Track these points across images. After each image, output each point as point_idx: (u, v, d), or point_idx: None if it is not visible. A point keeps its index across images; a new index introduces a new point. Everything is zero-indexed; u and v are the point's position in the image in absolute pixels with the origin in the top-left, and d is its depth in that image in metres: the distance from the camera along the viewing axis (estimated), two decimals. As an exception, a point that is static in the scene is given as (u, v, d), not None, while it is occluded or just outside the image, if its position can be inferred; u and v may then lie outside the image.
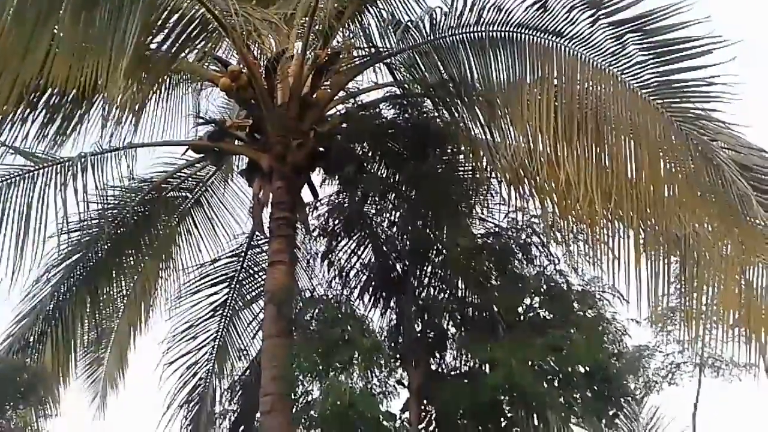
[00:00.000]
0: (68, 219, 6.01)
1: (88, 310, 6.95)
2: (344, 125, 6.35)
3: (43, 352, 6.84)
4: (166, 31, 5.29)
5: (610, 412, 5.22)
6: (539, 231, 5.60)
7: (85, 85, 4.53)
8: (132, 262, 7.08)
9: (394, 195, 6.01)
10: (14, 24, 4.32)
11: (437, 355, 5.64)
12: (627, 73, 5.15)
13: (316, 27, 6.09)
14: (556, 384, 5.18)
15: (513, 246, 5.61)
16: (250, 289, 7.41)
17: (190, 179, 7.20)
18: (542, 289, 5.52)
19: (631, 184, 4.96)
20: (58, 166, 6.03)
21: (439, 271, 5.79)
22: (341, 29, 6.59)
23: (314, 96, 6.22)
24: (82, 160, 5.98)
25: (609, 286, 5.40)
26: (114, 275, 7.03)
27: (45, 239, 6.00)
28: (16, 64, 4.28)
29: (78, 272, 6.87)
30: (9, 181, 6.07)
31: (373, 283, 5.90)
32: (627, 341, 5.73)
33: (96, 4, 4.61)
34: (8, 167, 6.02)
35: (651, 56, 5.06)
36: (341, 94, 6.53)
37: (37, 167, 6.06)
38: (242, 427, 6.78)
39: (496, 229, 5.81)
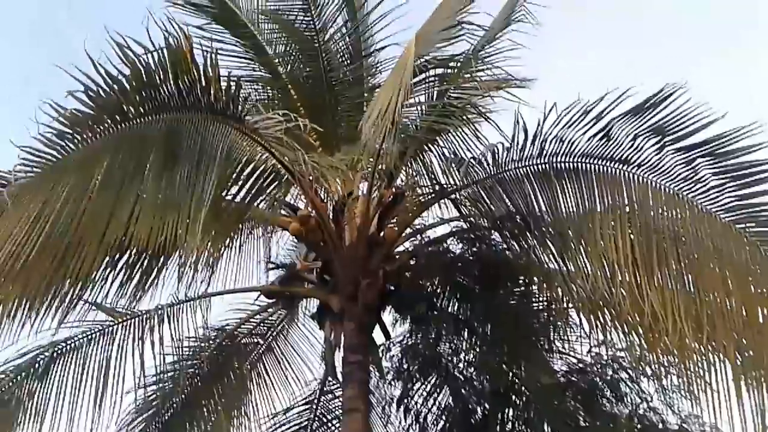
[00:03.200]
0: (145, 373, 6.03)
1: (163, 466, 6.80)
2: (413, 262, 6.34)
3: None
4: (240, 183, 5.50)
5: None
6: (627, 366, 5.30)
7: (164, 241, 4.66)
8: (206, 414, 6.96)
9: (468, 332, 5.86)
10: (102, 189, 4.53)
11: (528, 507, 5.23)
12: (703, 197, 5.03)
13: (380, 167, 6.25)
14: None
15: (600, 383, 5.31)
16: (325, 439, 7.17)
17: (261, 325, 7.20)
18: (636, 429, 5.14)
19: (722, 311, 4.70)
20: (136, 319, 6.16)
21: (523, 413, 5.49)
22: (404, 168, 6.74)
23: (381, 235, 6.26)
24: (159, 312, 6.10)
25: (710, 424, 4.99)
26: (188, 429, 6.92)
27: (123, 394, 6.03)
28: (102, 228, 4.44)
29: (153, 427, 6.80)
30: (90, 337, 6.21)
31: (453, 429, 5.62)
32: (736, 483, 5.19)
33: (176, 164, 4.83)
34: (89, 323, 6.17)
35: (726, 180, 4.94)
36: (408, 231, 6.55)
37: (116, 322, 6.21)
38: None
39: (580, 365, 5.53)
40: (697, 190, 5.07)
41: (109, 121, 4.62)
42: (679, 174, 5.14)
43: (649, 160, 5.26)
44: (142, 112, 4.79)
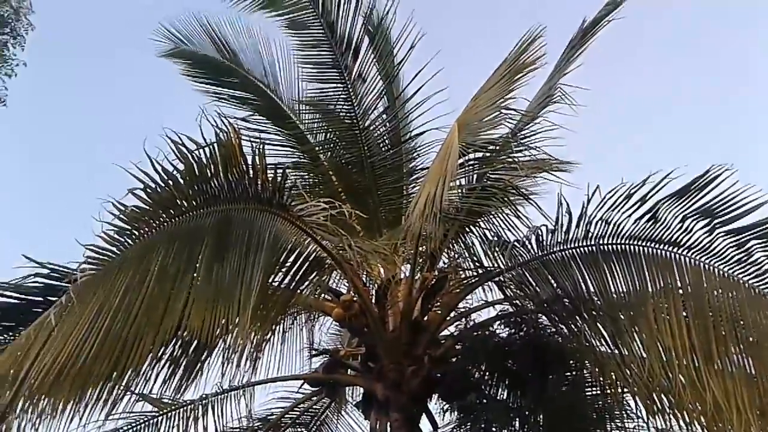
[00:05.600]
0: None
1: None
2: (458, 347, 6.22)
3: None
4: (285, 269, 5.50)
5: None
6: (691, 457, 5.06)
7: (211, 331, 4.64)
8: None
9: (519, 421, 5.67)
10: (157, 282, 4.55)
11: None
12: (759, 280, 4.94)
13: (422, 249, 6.22)
14: None
15: (663, 476, 5.06)
16: None
17: (305, 414, 7.08)
18: None
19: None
20: (181, 410, 6.08)
21: None
22: (446, 250, 6.71)
23: (425, 319, 6.17)
24: (204, 402, 6.02)
25: None
26: None
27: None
28: (157, 321, 4.43)
29: None
30: (135, 429, 6.14)
31: None
32: None
33: (226, 254, 4.85)
34: (134, 415, 6.10)
35: (782, 263, 4.88)
36: (452, 314, 6.45)
37: (160, 413, 6.13)
38: None
39: (640, 457, 5.30)
40: (752, 273, 4.99)
41: (164, 216, 4.70)
42: (732, 256, 5.07)
43: (700, 243, 5.20)
44: (194, 205, 4.86)
